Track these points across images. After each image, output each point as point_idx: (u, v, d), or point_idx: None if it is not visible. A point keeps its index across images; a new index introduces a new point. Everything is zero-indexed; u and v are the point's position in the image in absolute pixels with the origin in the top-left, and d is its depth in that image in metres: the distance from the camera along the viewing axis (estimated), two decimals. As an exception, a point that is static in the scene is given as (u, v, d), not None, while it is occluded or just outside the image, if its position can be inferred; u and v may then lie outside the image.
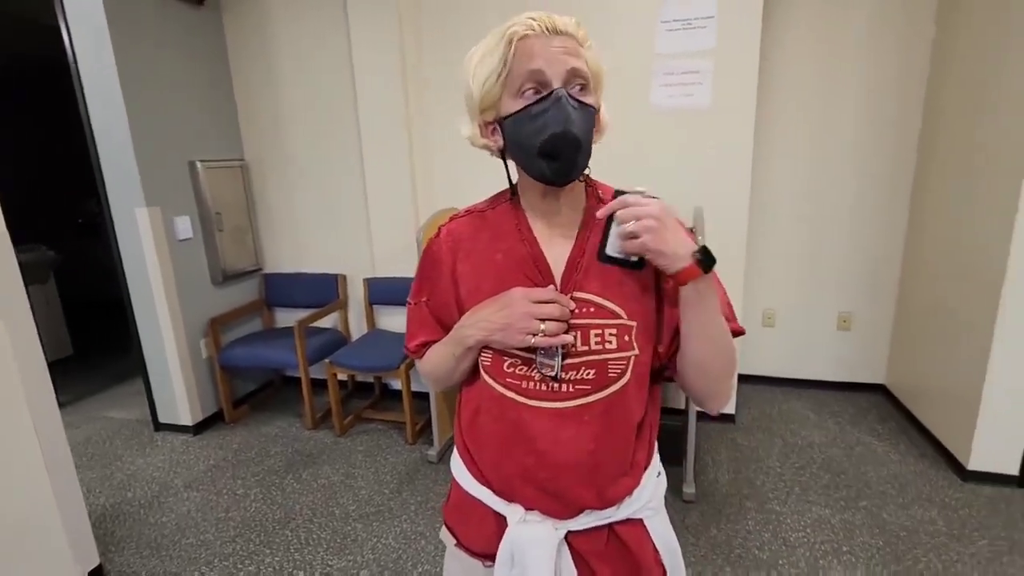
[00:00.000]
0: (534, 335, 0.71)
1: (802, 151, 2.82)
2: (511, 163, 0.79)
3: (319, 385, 2.91)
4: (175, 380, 2.73)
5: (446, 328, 0.83)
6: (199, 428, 2.81)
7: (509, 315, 0.73)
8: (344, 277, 3.07)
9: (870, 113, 2.70)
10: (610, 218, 0.71)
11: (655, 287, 0.76)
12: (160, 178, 2.57)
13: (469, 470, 0.84)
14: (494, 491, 0.80)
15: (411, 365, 2.59)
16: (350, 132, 2.84)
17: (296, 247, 3.14)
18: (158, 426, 2.84)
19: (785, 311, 3.04)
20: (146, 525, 2.12)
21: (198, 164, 2.72)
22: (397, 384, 3.14)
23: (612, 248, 0.72)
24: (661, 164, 2.55)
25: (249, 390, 3.16)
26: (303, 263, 3.15)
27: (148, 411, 2.85)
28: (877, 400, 2.92)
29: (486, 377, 0.79)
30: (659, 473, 0.86)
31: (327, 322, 3.10)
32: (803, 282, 2.97)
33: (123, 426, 2.93)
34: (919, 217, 2.68)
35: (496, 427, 0.78)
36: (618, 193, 0.72)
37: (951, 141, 2.43)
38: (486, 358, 0.78)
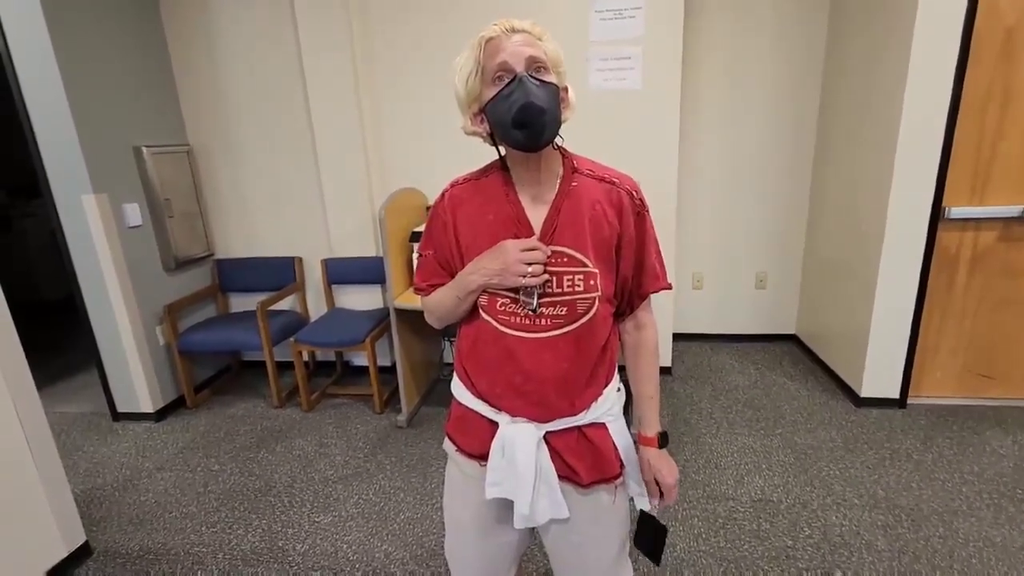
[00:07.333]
0: (524, 276, 0.90)
1: (719, 130, 3.15)
2: (499, 142, 0.96)
3: (280, 366, 2.98)
4: (133, 368, 2.73)
5: (450, 273, 1.01)
6: (161, 414, 2.82)
7: (505, 261, 0.90)
8: (300, 259, 3.13)
9: (777, 97, 3.06)
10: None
11: (614, 248, 0.96)
12: (106, 164, 2.53)
13: (468, 389, 1.03)
14: (488, 404, 1.00)
15: (376, 338, 2.73)
16: (300, 117, 2.89)
17: (247, 232, 3.16)
18: (116, 416, 2.82)
19: (711, 274, 3.40)
20: (124, 505, 2.17)
21: (144, 149, 2.69)
22: (359, 360, 3.25)
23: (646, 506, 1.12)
24: (599, 142, 2.73)
25: (207, 376, 3.17)
26: (256, 247, 3.18)
27: (104, 402, 2.82)
28: (790, 348, 3.36)
29: (483, 315, 0.97)
30: (619, 388, 1.09)
31: (283, 305, 3.15)
32: (725, 247, 3.33)
33: (76, 419, 2.88)
34: (818, 186, 3.09)
35: (491, 353, 0.97)
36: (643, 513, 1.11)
37: (842, 122, 2.82)
38: (483, 300, 0.96)
